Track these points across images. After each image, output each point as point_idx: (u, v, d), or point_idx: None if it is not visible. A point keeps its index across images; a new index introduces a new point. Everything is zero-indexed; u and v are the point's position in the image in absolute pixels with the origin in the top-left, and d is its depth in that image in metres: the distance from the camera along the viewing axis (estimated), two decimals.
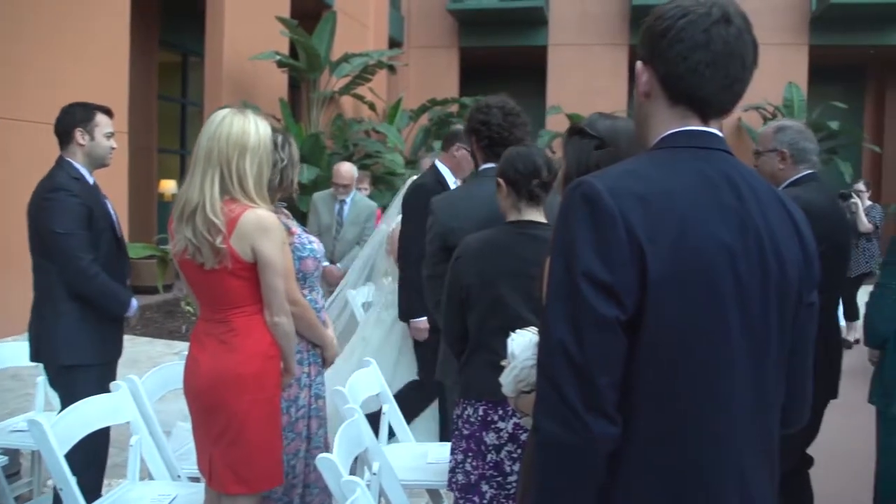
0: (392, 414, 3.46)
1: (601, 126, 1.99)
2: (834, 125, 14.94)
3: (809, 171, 3.01)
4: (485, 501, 2.55)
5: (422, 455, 3.35)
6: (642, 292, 1.27)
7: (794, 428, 1.55)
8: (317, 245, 2.98)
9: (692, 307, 1.29)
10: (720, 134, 1.42)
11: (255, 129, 2.53)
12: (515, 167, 2.55)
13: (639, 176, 1.34)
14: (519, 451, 2.52)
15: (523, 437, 2.50)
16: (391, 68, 13.19)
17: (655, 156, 1.40)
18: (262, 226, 2.48)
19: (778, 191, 1.47)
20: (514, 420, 2.51)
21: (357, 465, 3.05)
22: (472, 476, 2.58)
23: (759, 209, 1.36)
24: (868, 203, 8.53)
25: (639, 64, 1.44)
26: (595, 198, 1.28)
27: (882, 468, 2.74)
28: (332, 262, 6.42)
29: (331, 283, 6.44)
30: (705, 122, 1.41)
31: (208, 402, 2.54)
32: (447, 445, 2.92)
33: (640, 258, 1.26)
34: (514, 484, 2.51)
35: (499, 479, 2.54)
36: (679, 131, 1.40)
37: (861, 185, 8.72)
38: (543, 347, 1.32)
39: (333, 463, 2.35)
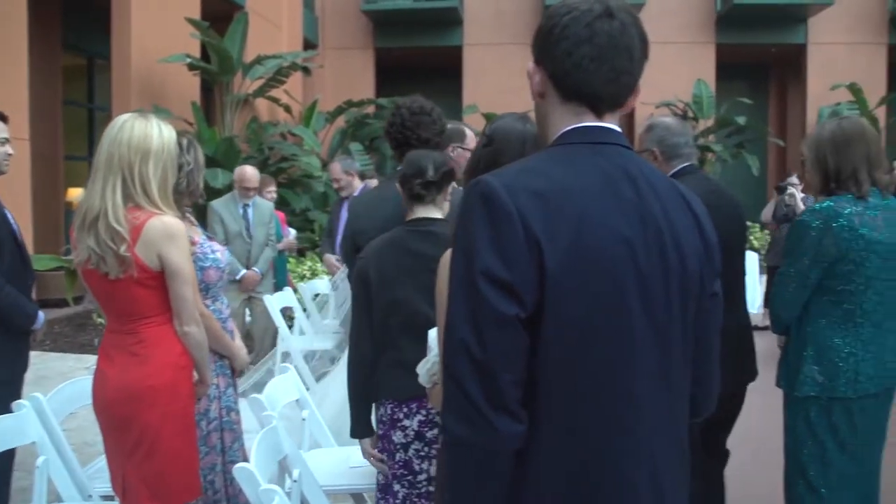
0: (312, 419, 3.42)
1: (493, 126, 2.04)
2: (741, 120, 15.45)
3: (685, 165, 3.09)
4: (398, 501, 2.56)
5: (344, 459, 3.32)
6: (541, 289, 1.27)
7: (703, 416, 1.58)
8: (220, 254, 2.90)
9: (593, 302, 1.30)
10: (617, 128, 1.43)
11: (157, 132, 2.45)
12: (404, 169, 2.61)
13: (537, 173, 1.34)
14: (426, 448, 2.53)
15: (429, 434, 2.52)
16: (306, 70, 13.03)
17: (553, 153, 1.41)
18: (169, 233, 2.41)
19: (678, 184, 1.49)
20: (419, 418, 2.53)
21: (279, 473, 3.00)
22: (387, 476, 2.60)
23: (659, 203, 1.38)
24: (801, 195, 8.86)
25: (530, 65, 1.45)
26: (492, 196, 1.29)
27: (787, 448, 2.84)
28: (248, 267, 6.33)
29: (248, 289, 6.34)
30: (599, 116, 1.42)
31: (119, 417, 2.46)
32: None
33: (537, 255, 1.26)
34: (425, 483, 2.53)
35: (409, 478, 2.55)
36: (574, 128, 1.41)
37: (794, 179, 9.06)
38: (447, 347, 1.32)
39: (250, 472, 2.30)
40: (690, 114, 15.97)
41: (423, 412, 2.52)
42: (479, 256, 1.27)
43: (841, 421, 2.71)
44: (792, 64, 18.25)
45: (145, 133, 2.42)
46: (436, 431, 2.51)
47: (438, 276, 1.96)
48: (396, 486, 2.57)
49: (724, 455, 3.23)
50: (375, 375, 2.62)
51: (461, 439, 1.29)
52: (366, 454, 2.69)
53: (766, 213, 9.00)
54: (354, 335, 2.69)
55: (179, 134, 2.65)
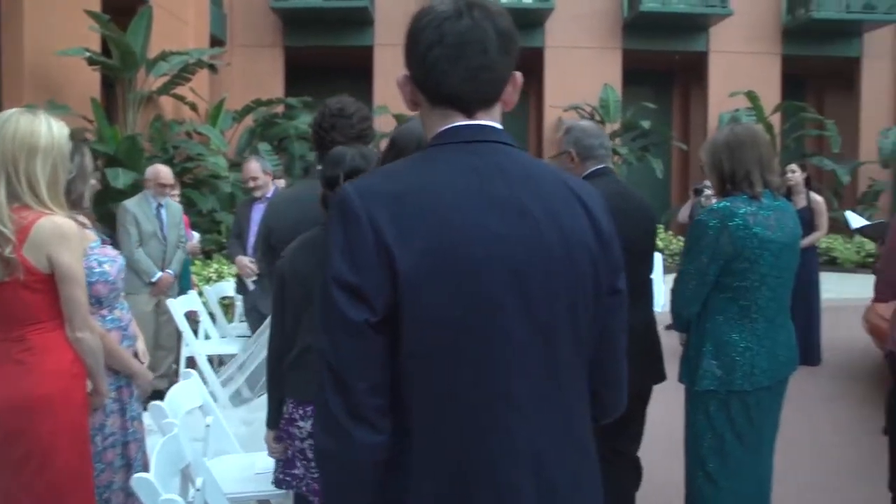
0: (216, 426, 3.32)
1: (396, 129, 2.06)
2: (646, 124, 15.92)
3: (598, 167, 3.16)
4: (299, 476, 2.55)
5: (249, 466, 3.24)
6: (394, 292, 1.25)
7: (613, 416, 1.57)
8: (110, 266, 2.75)
9: (459, 302, 1.28)
10: (494, 125, 1.42)
11: (46, 129, 2.32)
12: (322, 166, 2.59)
13: (397, 176, 1.35)
14: None
15: None
16: (212, 67, 12.70)
17: (421, 155, 1.41)
18: (60, 233, 2.29)
19: (568, 179, 1.46)
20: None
21: (182, 483, 2.90)
22: (289, 451, 2.59)
23: (540, 199, 1.35)
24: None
25: (400, 75, 1.45)
26: (344, 202, 1.29)
27: (688, 442, 2.92)
28: (162, 269, 6.11)
29: (162, 292, 6.10)
30: (470, 115, 1.40)
31: (5, 430, 2.32)
32: None
33: (387, 258, 1.25)
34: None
35: (305, 462, 2.55)
36: (445, 129, 1.40)
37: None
38: (317, 358, 1.30)
39: (148, 482, 2.22)
40: (598, 117, 16.34)
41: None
42: (332, 263, 1.27)
43: (738, 414, 2.80)
44: (694, 71, 18.89)
45: (32, 129, 2.30)
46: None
47: None
48: (298, 464, 2.56)
49: (632, 457, 3.28)
50: (284, 372, 2.59)
51: (323, 451, 1.29)
52: (266, 443, 2.67)
53: (683, 213, 9.26)
54: (271, 332, 2.66)
55: (72, 136, 2.51)
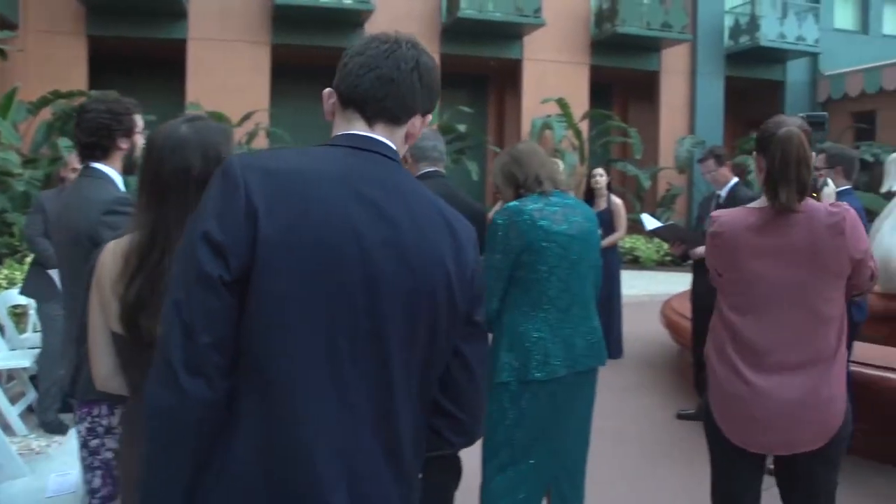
0: (3, 448, 3.03)
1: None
2: (462, 128, 16.26)
3: (430, 169, 3.33)
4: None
5: (40, 489, 2.97)
6: (251, 258, 1.31)
7: (469, 440, 1.61)
8: None
9: (301, 282, 1.32)
10: (385, 141, 1.51)
11: None
12: None
13: (279, 156, 1.42)
14: (91, 458, 2.34)
15: (92, 443, 2.32)
16: (2, 53, 11.67)
17: (308, 147, 1.50)
18: None
19: (444, 208, 1.54)
20: (86, 424, 2.32)
21: None
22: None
23: (407, 210, 1.43)
24: None
25: (327, 90, 1.57)
26: (227, 170, 1.37)
27: (485, 432, 2.97)
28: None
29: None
30: (370, 127, 1.51)
31: None
32: (67, 475, 2.63)
33: (253, 225, 1.31)
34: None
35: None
36: (342, 133, 1.51)
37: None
38: (163, 311, 1.33)
39: None
40: None
41: (89, 420, 2.32)
42: (202, 220, 1.33)
43: (530, 405, 2.90)
44: (510, 77, 19.54)
45: None
46: (99, 441, 2.32)
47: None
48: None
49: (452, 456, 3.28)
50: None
51: (155, 402, 1.30)
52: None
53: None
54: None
55: None
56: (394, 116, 1.52)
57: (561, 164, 6.67)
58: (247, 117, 15.00)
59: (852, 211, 2.54)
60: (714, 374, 2.66)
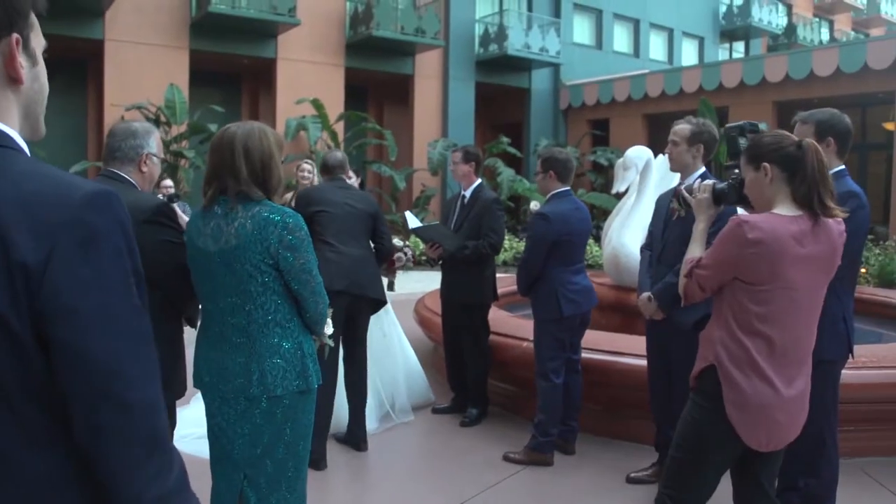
0: None
1: None
2: (213, 127, 15.61)
3: None
4: None
5: None
6: None
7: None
8: None
9: None
10: (8, 131, 1.21)
11: None
12: None
13: None
14: None
15: None
16: None
17: None
18: None
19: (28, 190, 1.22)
20: None
21: None
22: None
23: None
24: None
25: None
26: None
27: None
28: None
29: None
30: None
31: None
32: None
33: None
34: None
35: None
36: None
37: None
38: None
39: None
40: (164, 119, 15.64)
41: None
42: None
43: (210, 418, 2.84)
44: (264, 76, 19.10)
45: None
46: None
47: None
48: None
49: None
50: None
51: None
52: None
53: None
54: None
55: None
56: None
57: (314, 167, 6.52)
58: None
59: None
60: (735, 388, 2.60)
